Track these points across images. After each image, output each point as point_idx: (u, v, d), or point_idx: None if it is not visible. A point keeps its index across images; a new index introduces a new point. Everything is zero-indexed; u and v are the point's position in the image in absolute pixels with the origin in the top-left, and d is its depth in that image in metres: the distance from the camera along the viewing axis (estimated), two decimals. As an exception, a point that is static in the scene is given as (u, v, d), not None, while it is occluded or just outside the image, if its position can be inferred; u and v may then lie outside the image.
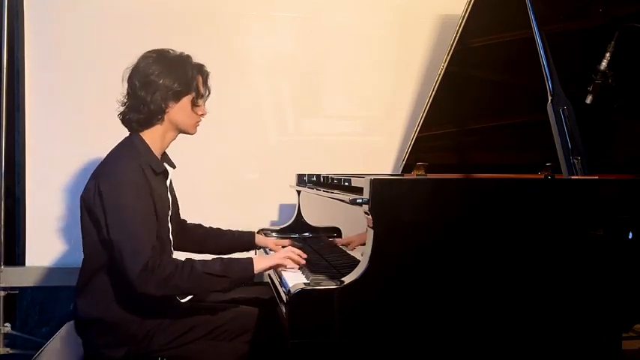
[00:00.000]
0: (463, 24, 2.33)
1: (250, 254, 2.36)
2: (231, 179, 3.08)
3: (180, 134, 2.07)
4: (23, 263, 2.98)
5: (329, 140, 3.18)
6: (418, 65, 3.15)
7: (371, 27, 3.14)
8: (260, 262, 1.93)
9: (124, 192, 1.84)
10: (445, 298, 1.65)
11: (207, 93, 2.07)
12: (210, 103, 3.01)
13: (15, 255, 3.06)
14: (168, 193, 2.07)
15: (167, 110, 1.96)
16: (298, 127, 3.18)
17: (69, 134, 2.93)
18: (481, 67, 2.49)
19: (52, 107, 2.94)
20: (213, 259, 1.90)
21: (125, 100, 1.99)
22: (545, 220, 1.70)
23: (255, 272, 1.90)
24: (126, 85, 1.98)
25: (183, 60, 1.99)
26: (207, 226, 2.37)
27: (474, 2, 2.27)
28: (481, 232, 1.68)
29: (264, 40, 3.11)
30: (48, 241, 2.95)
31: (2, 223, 2.97)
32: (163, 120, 1.98)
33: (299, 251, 2.03)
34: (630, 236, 1.72)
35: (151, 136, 1.99)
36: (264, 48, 3.10)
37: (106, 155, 2.00)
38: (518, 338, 1.70)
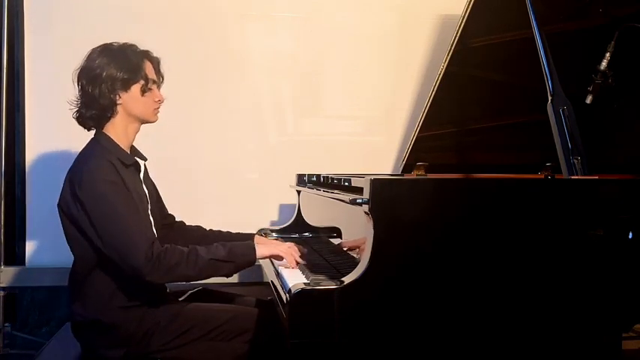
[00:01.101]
0: (463, 24, 2.33)
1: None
2: (231, 179, 3.08)
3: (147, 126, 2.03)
4: (23, 263, 2.98)
5: (329, 140, 3.18)
6: (418, 65, 3.15)
7: (371, 27, 3.14)
8: (261, 249, 1.97)
9: (102, 193, 1.83)
10: (445, 298, 1.64)
11: (160, 80, 2.05)
12: (210, 103, 3.04)
13: (15, 255, 3.06)
14: (144, 186, 2.04)
15: (118, 101, 1.95)
16: (298, 127, 3.18)
17: (69, 134, 2.92)
18: (481, 67, 2.49)
19: (52, 107, 2.94)
20: (215, 245, 1.92)
21: (77, 101, 1.97)
22: (545, 220, 1.70)
23: (256, 258, 1.94)
24: (78, 87, 1.97)
25: (127, 48, 1.98)
26: (208, 228, 2.36)
27: (473, 2, 2.27)
28: (481, 233, 1.68)
29: (264, 40, 3.10)
30: (48, 241, 2.95)
31: (2, 223, 2.97)
32: (117, 112, 1.96)
33: (298, 251, 2.05)
34: (630, 236, 1.72)
35: (114, 131, 1.98)
36: (264, 48, 3.10)
37: (75, 158, 1.98)
38: (519, 338, 1.70)
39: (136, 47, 2.00)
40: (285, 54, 3.12)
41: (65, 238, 1.94)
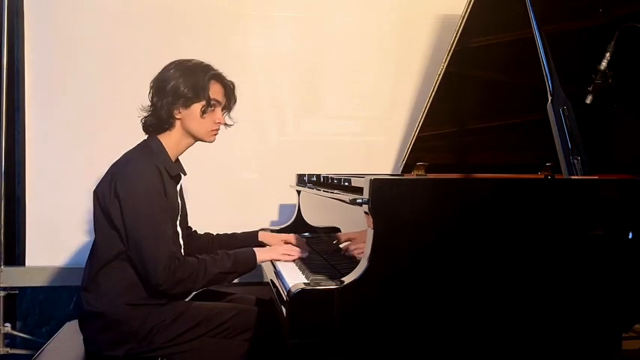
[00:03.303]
0: (463, 24, 2.33)
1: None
2: (231, 179, 3.09)
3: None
4: (23, 263, 2.98)
5: (329, 140, 3.18)
6: (418, 65, 3.15)
7: (371, 27, 3.14)
8: (261, 255, 2.07)
9: (142, 195, 1.88)
10: (445, 298, 1.64)
11: (228, 103, 2.10)
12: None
13: (15, 255, 3.06)
14: (178, 197, 2.10)
15: (177, 116, 2.01)
16: (298, 127, 3.18)
17: (69, 134, 2.93)
18: (481, 67, 2.49)
19: (52, 107, 2.94)
20: (221, 255, 1.99)
21: (148, 107, 2.04)
22: (545, 220, 1.70)
23: (257, 264, 2.05)
24: (149, 95, 2.03)
25: (199, 68, 2.02)
26: (215, 233, 2.39)
27: (473, 2, 2.27)
28: (481, 233, 1.68)
29: (264, 40, 3.11)
30: (48, 241, 2.95)
31: (2, 223, 2.97)
32: (174, 126, 2.02)
33: (298, 251, 2.12)
34: (630, 236, 1.72)
35: (167, 140, 2.04)
36: (264, 48, 3.10)
37: (122, 154, 2.03)
38: (518, 338, 1.70)
39: (210, 68, 2.04)
40: (285, 54, 3.12)
41: (93, 228, 2.00)
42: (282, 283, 1.84)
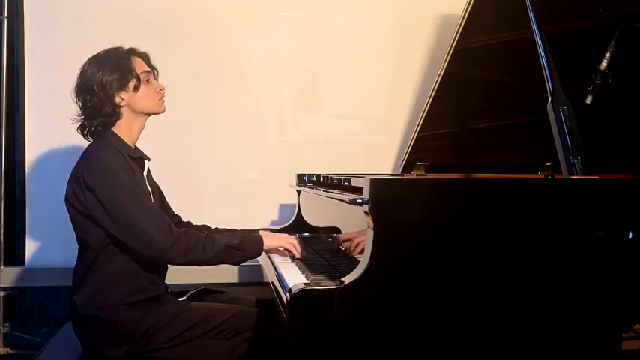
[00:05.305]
0: (463, 24, 2.33)
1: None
2: (231, 179, 3.08)
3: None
4: (23, 263, 2.98)
5: (329, 140, 3.18)
6: (418, 65, 3.15)
7: (371, 27, 3.14)
8: (268, 240, 2.06)
9: (114, 178, 1.87)
10: (445, 298, 1.64)
11: (154, 71, 2.08)
12: (210, 103, 3.04)
13: (15, 255, 3.06)
14: (147, 183, 2.08)
15: (121, 103, 1.99)
16: (298, 127, 3.18)
17: (69, 134, 2.92)
18: (481, 67, 2.49)
19: (52, 107, 2.94)
20: (228, 233, 2.01)
21: (80, 116, 2.01)
22: (545, 220, 1.70)
23: (263, 248, 2.03)
24: (78, 104, 2.01)
25: (111, 52, 2.02)
26: (213, 227, 2.37)
27: (473, 2, 2.27)
28: (481, 233, 1.67)
29: (264, 40, 3.11)
30: (48, 241, 2.95)
31: (2, 223, 2.97)
32: (122, 113, 2.00)
33: (300, 248, 2.11)
34: (630, 236, 1.72)
35: (120, 130, 2.02)
36: (264, 48, 3.10)
37: (81, 154, 2.01)
38: (519, 338, 1.70)
39: (121, 48, 2.04)
40: (285, 54, 3.12)
41: (73, 231, 1.97)
42: (282, 283, 1.83)
